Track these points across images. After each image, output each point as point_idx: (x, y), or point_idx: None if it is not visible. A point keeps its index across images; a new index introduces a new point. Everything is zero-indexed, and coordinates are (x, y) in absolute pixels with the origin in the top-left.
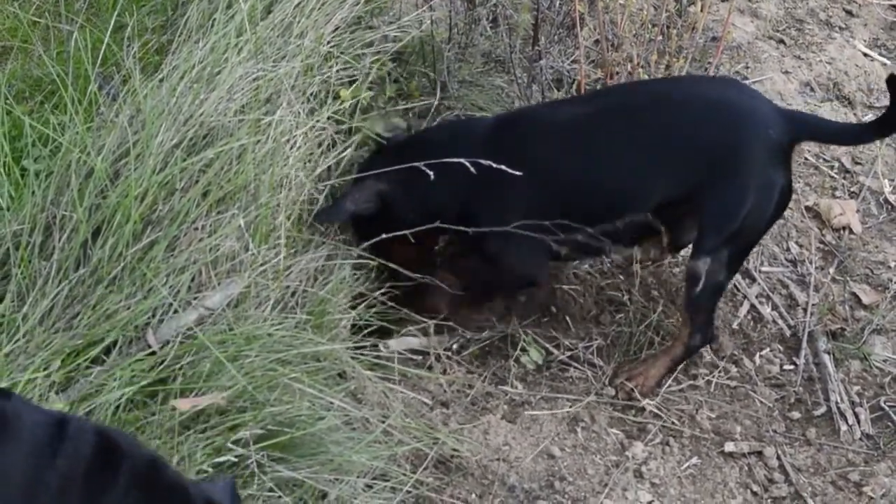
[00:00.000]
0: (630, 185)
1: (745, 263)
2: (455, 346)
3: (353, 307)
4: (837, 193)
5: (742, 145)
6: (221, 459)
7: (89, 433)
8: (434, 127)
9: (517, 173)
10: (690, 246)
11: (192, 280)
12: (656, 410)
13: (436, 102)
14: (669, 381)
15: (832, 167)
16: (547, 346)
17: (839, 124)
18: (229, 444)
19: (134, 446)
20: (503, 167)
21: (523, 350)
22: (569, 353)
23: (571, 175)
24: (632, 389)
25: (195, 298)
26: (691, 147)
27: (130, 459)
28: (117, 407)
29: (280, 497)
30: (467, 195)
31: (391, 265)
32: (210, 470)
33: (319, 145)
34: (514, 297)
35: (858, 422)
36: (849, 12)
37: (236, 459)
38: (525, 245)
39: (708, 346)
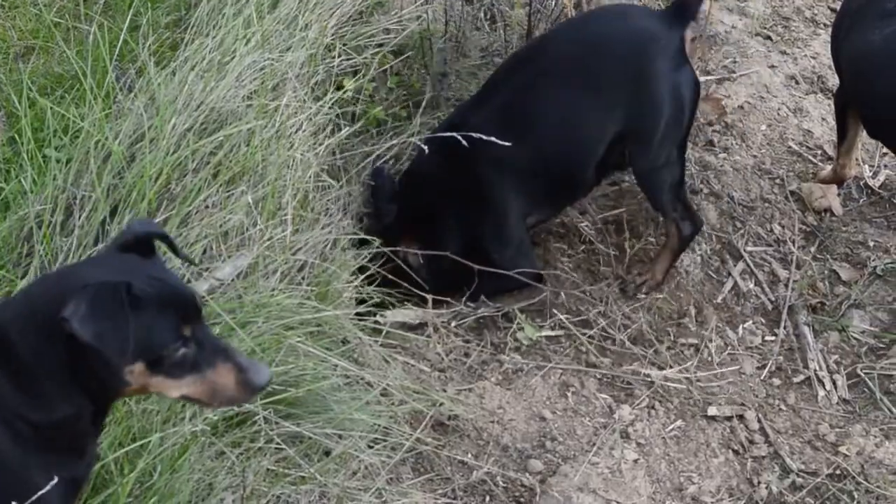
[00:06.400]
0: (589, 139)
1: (733, 242)
2: (452, 322)
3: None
4: None
5: (648, 64)
6: (229, 414)
7: None
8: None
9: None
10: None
11: (204, 253)
12: (643, 378)
13: (432, 93)
14: (657, 346)
15: (815, 154)
16: (540, 322)
17: None
18: None
19: None
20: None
21: (519, 327)
22: (561, 327)
23: (543, 149)
24: (643, 283)
25: (207, 270)
26: (614, 83)
27: None
28: None
29: (285, 450)
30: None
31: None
32: (219, 424)
33: (323, 129)
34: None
35: (836, 387)
36: (834, 10)
37: (244, 414)
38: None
39: (699, 231)
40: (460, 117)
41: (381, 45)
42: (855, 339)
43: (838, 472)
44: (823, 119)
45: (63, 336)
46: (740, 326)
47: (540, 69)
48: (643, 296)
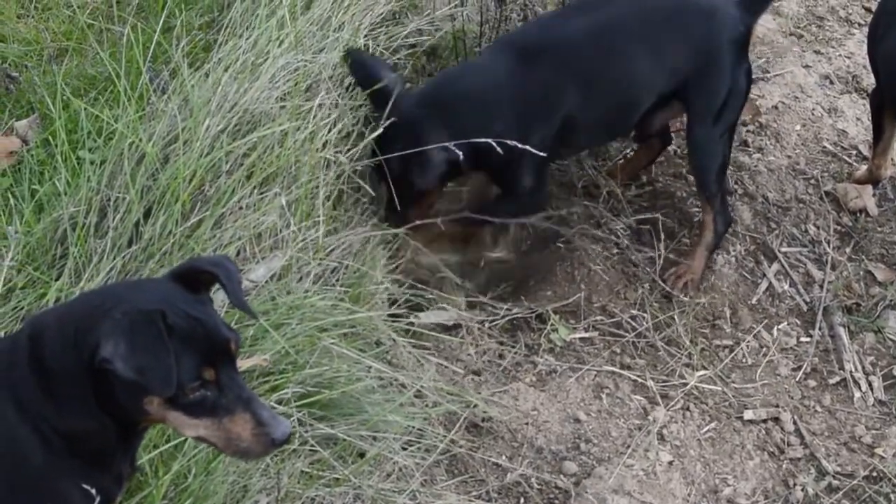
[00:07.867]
0: (643, 85)
1: (767, 243)
2: (486, 323)
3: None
4: None
5: (719, 43)
6: None
7: None
8: (457, 75)
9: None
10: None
11: (238, 255)
12: (678, 380)
13: None
14: (692, 348)
15: (850, 155)
16: (574, 323)
17: None
18: (272, 403)
19: None
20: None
21: (552, 328)
22: (595, 328)
23: (609, 83)
24: (686, 282)
25: (240, 272)
26: (680, 48)
27: None
28: None
29: (319, 452)
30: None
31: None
32: None
33: (357, 130)
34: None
35: (872, 389)
36: (868, 9)
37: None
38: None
39: (731, 227)
40: (540, 29)
41: (414, 46)
42: (891, 340)
43: (875, 474)
44: (858, 119)
45: (89, 360)
46: (775, 328)
47: (617, 10)
48: (688, 298)
